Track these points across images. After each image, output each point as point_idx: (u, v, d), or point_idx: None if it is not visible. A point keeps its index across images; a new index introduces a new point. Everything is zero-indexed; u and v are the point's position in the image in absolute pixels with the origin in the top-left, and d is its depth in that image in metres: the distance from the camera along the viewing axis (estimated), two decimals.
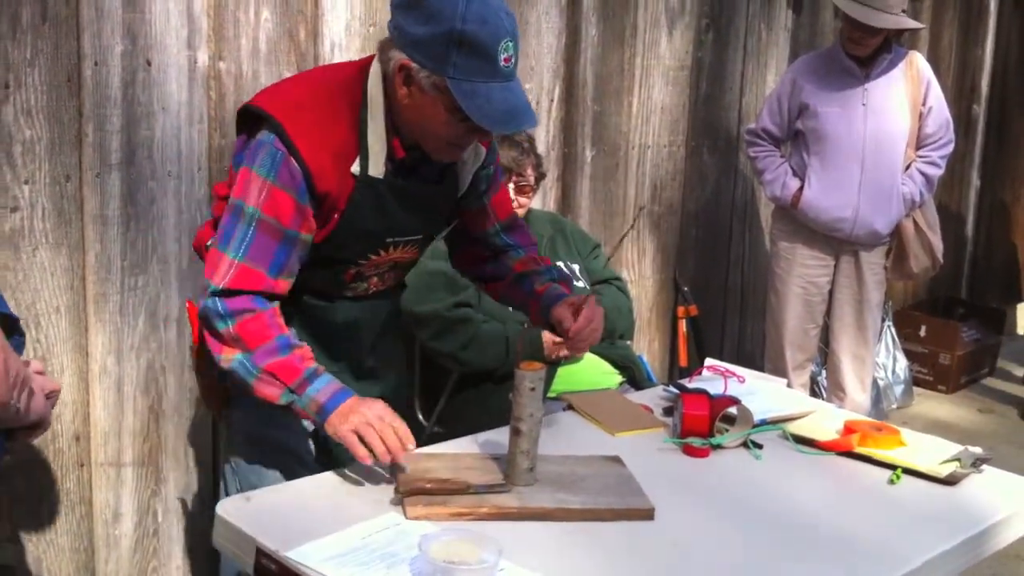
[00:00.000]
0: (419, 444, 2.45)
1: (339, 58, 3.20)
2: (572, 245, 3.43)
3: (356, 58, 2.68)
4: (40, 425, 1.87)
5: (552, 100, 3.95)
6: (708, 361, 2.87)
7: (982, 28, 6.34)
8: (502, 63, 2.01)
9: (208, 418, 3.13)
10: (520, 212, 3.20)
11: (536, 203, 3.67)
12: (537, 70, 3.86)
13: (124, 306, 2.91)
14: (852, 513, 2.10)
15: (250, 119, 2.18)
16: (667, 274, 4.61)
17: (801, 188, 4.14)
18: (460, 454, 2.19)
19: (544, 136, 3.92)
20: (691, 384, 2.65)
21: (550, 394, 3.02)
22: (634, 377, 3.33)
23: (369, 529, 1.85)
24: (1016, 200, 6.79)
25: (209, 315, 2.10)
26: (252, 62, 3.04)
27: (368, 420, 2.05)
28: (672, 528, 1.97)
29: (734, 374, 2.75)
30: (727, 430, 2.36)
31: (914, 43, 5.45)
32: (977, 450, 2.35)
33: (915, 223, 4.22)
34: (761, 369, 3.77)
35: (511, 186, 3.19)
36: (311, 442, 2.41)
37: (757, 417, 2.40)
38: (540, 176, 3.34)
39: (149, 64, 2.84)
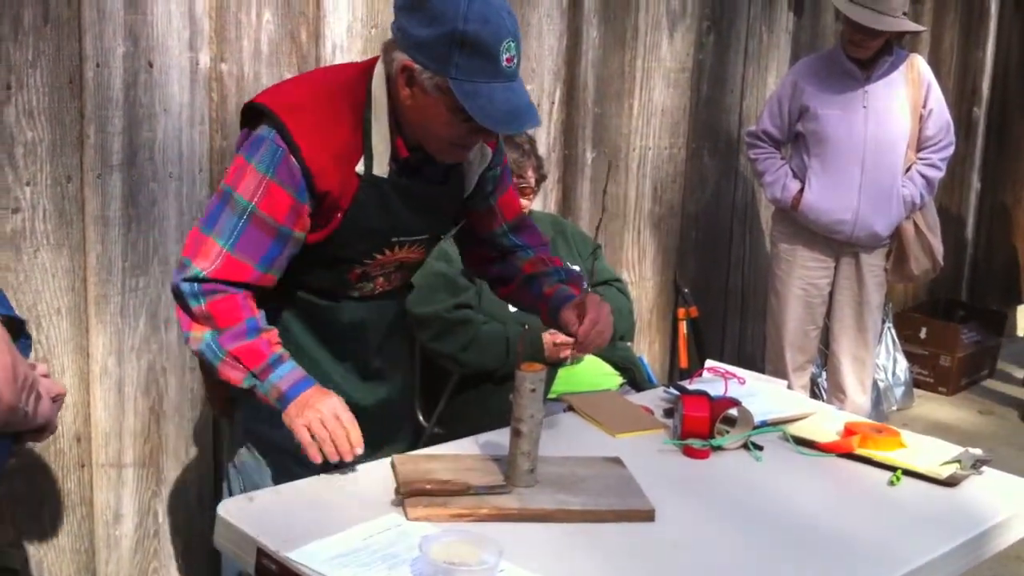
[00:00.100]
0: (420, 445, 2.45)
1: (341, 60, 3.20)
2: (573, 246, 3.43)
3: (358, 60, 2.68)
4: (46, 428, 1.86)
5: (553, 102, 3.96)
6: (708, 363, 2.87)
7: (983, 31, 6.34)
8: (504, 63, 2.02)
9: (209, 419, 3.13)
10: None
11: (537, 205, 3.68)
12: (538, 72, 3.87)
13: (125, 307, 2.91)
14: (852, 515, 2.10)
15: (253, 116, 2.18)
16: (667, 276, 4.61)
17: (801, 190, 4.14)
18: (461, 455, 2.19)
19: (545, 138, 3.93)
20: (691, 385, 2.65)
21: (550, 395, 3.02)
22: (634, 378, 3.33)
23: (370, 530, 1.85)
24: (1017, 202, 6.79)
25: (183, 293, 2.11)
26: (254, 64, 3.04)
27: (323, 417, 2.06)
28: (672, 529, 1.97)
29: (734, 375, 2.75)
30: (727, 431, 2.37)
31: (915, 46, 5.46)
32: (977, 452, 2.35)
33: (915, 225, 4.23)
34: (761, 371, 3.77)
35: None
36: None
37: (757, 419, 2.40)
38: (541, 178, 3.35)
39: (151, 66, 2.85)
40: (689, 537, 1.96)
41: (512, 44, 2.02)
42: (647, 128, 4.33)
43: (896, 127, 4.09)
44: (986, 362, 5.99)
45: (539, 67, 3.87)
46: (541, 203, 3.89)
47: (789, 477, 2.25)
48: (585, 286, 2.43)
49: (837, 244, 4.21)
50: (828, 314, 4.38)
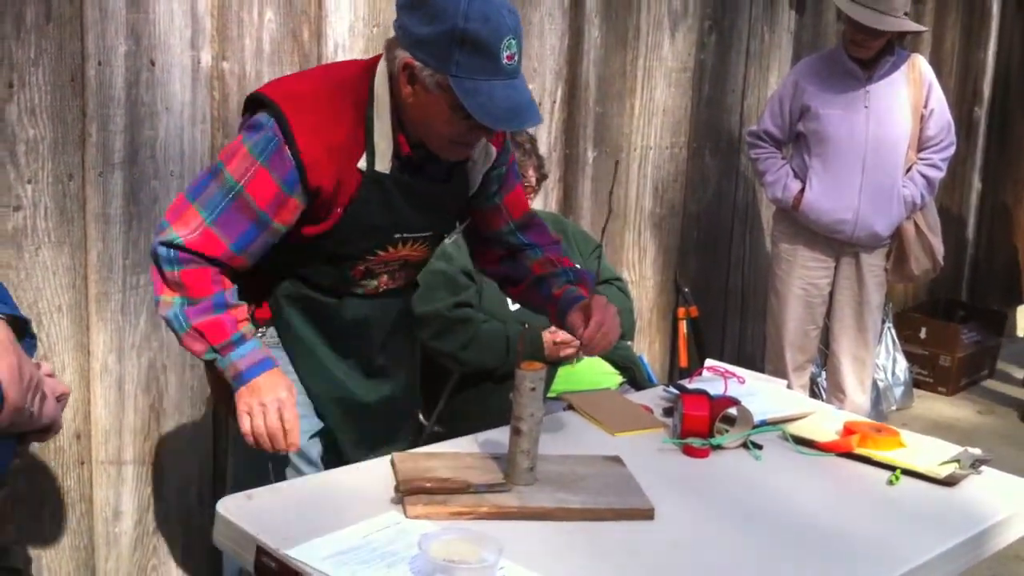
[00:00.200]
0: (420, 444, 2.46)
1: (342, 59, 3.20)
2: (574, 246, 3.43)
3: (359, 59, 2.68)
4: (51, 428, 1.85)
5: (554, 101, 3.96)
6: (708, 362, 2.87)
7: (984, 31, 6.34)
8: (505, 61, 2.02)
9: (209, 417, 3.14)
10: None
11: (538, 204, 3.68)
12: (540, 71, 3.87)
13: (126, 305, 2.92)
14: (851, 514, 2.10)
15: (255, 106, 2.19)
16: (668, 275, 4.61)
17: (802, 190, 4.14)
18: (460, 453, 2.20)
19: (546, 137, 3.93)
20: (691, 385, 2.65)
21: (550, 394, 3.02)
22: (634, 377, 3.33)
23: (369, 528, 1.86)
24: (1017, 203, 6.79)
25: (159, 257, 2.15)
26: (256, 62, 3.05)
27: (265, 411, 2.12)
28: (672, 528, 1.97)
29: (734, 375, 2.75)
30: (727, 431, 2.37)
31: (916, 46, 5.46)
32: (976, 451, 2.35)
33: (916, 225, 4.23)
34: (761, 370, 3.77)
35: None
36: (319, 440, 2.41)
37: (757, 418, 2.41)
38: (542, 177, 3.35)
39: (153, 64, 2.85)
40: (688, 536, 1.96)
41: (513, 42, 2.02)
42: (648, 128, 4.33)
43: (897, 127, 4.09)
44: (986, 362, 5.99)
45: (540, 66, 3.87)
46: (542, 202, 3.89)
47: (788, 476, 2.25)
48: (593, 287, 2.43)
49: (837, 244, 4.21)
50: (828, 314, 4.38)
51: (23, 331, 1.79)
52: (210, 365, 2.24)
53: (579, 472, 2.12)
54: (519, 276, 2.48)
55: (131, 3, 2.78)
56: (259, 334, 2.35)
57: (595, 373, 3.24)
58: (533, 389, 2.01)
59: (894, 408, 5.32)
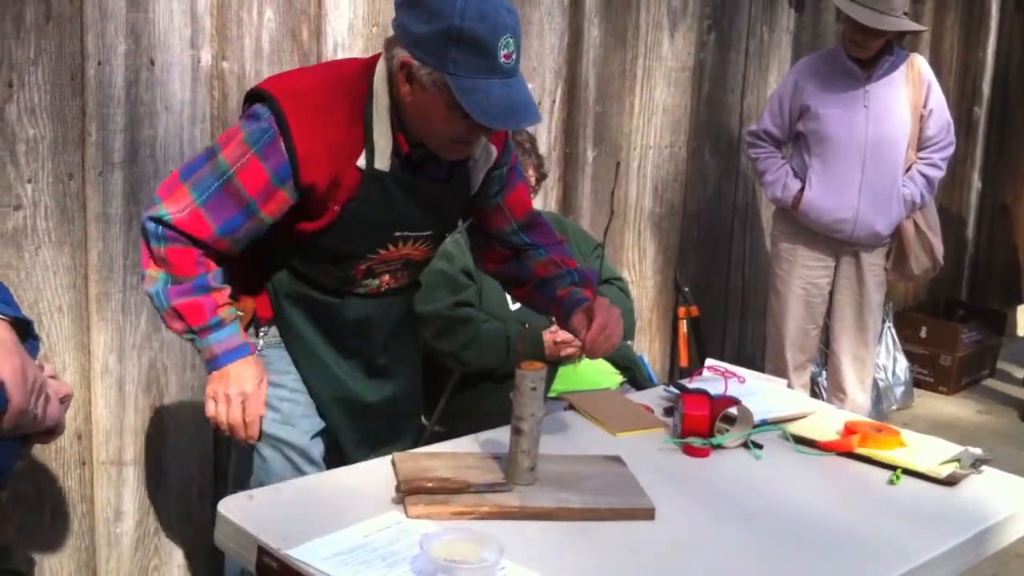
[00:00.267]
0: (420, 443, 2.46)
1: (342, 58, 3.20)
2: (574, 246, 3.43)
3: (360, 57, 2.69)
4: (55, 430, 1.85)
5: (554, 101, 3.96)
6: (708, 361, 2.87)
7: (984, 31, 6.34)
8: (502, 59, 2.02)
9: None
10: None
11: (537, 203, 3.67)
12: (539, 71, 3.87)
13: (126, 305, 2.92)
14: (852, 513, 2.10)
15: (255, 102, 2.20)
16: (668, 275, 4.61)
17: (802, 189, 4.14)
18: (461, 453, 2.20)
19: (546, 137, 3.93)
20: (692, 384, 2.65)
21: (551, 394, 3.02)
22: (635, 377, 3.33)
23: (370, 528, 1.86)
24: (1017, 202, 6.79)
25: (148, 232, 2.18)
26: (255, 62, 3.05)
27: (229, 400, 2.20)
28: (673, 528, 1.97)
29: (734, 374, 2.75)
30: (727, 430, 2.37)
31: (916, 45, 5.46)
32: (977, 451, 2.36)
33: (916, 224, 4.23)
34: (761, 370, 3.77)
35: None
36: (321, 440, 2.42)
37: (757, 417, 2.41)
38: (541, 177, 3.35)
39: (152, 63, 2.85)
40: (689, 535, 1.96)
41: (511, 40, 2.02)
42: (648, 127, 4.33)
43: (897, 127, 4.09)
44: (986, 361, 5.99)
45: (540, 66, 3.87)
46: (542, 202, 3.89)
47: (789, 476, 2.26)
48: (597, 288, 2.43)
49: (837, 243, 4.21)
50: (828, 313, 4.38)
51: (26, 333, 1.79)
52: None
53: (580, 472, 2.12)
54: (523, 277, 2.48)
55: (131, 2, 2.78)
56: (261, 332, 2.36)
57: (596, 373, 3.24)
58: (534, 389, 2.01)
59: (895, 408, 5.33)
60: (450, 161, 2.26)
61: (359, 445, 2.42)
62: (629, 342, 3.50)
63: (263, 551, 1.80)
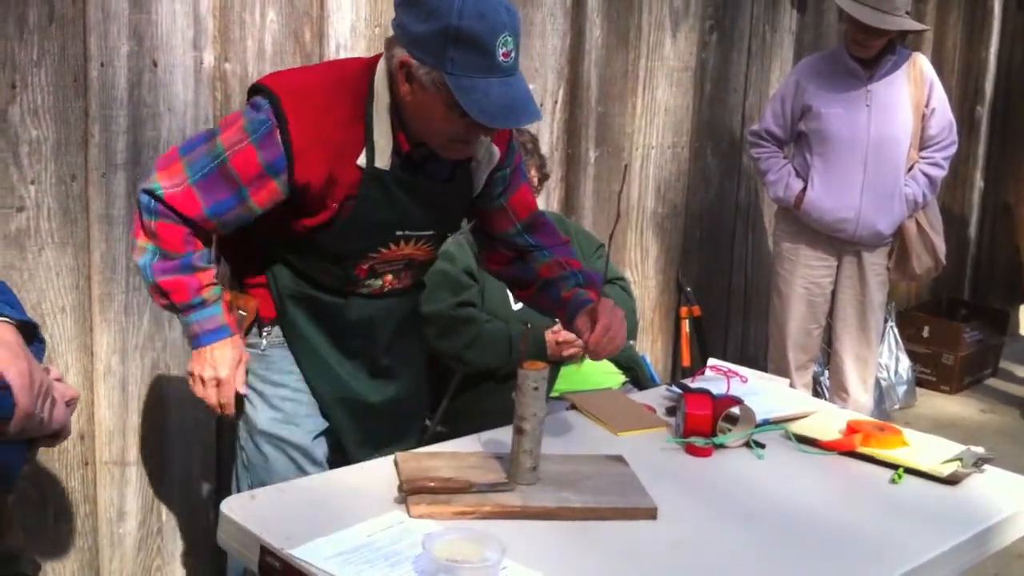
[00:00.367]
0: (423, 443, 2.46)
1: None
2: (576, 246, 3.43)
3: (363, 57, 2.69)
4: (60, 434, 1.85)
5: (556, 101, 3.96)
6: (711, 361, 2.87)
7: (986, 30, 6.33)
8: (500, 58, 2.01)
9: (212, 418, 3.14)
10: None
11: (540, 204, 3.67)
12: (541, 71, 3.87)
13: (129, 305, 2.92)
14: (854, 513, 2.10)
15: (257, 95, 2.21)
16: (670, 275, 4.61)
17: (804, 189, 4.14)
18: (463, 453, 2.20)
19: (548, 137, 3.93)
20: (694, 384, 2.65)
21: (553, 394, 3.02)
22: (637, 377, 3.34)
23: (373, 527, 1.86)
24: (1020, 201, 6.78)
25: (141, 204, 2.22)
26: (258, 63, 3.05)
27: (203, 378, 2.27)
28: (675, 527, 1.98)
29: (737, 374, 2.76)
30: (730, 430, 2.37)
31: (918, 45, 5.45)
32: (979, 450, 2.36)
33: (918, 224, 4.23)
34: (764, 370, 3.77)
35: None
36: (324, 440, 2.42)
37: (760, 417, 2.41)
38: (544, 177, 3.35)
39: (155, 65, 2.85)
40: (691, 535, 1.96)
41: (509, 39, 2.02)
42: (650, 127, 4.33)
43: (899, 126, 4.09)
44: (989, 361, 5.98)
45: (542, 66, 3.87)
46: (544, 202, 3.89)
47: (791, 475, 2.26)
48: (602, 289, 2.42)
49: (840, 243, 4.21)
50: (831, 313, 4.38)
51: (32, 335, 1.79)
52: None
53: (582, 471, 2.13)
54: (528, 279, 2.48)
55: (133, 4, 2.78)
56: (264, 332, 2.36)
57: (598, 373, 3.24)
58: (536, 389, 2.01)
59: (897, 407, 5.32)
60: (452, 161, 2.26)
61: (362, 445, 2.42)
62: (631, 342, 3.50)
63: (266, 551, 1.80)
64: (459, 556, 1.70)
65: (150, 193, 2.19)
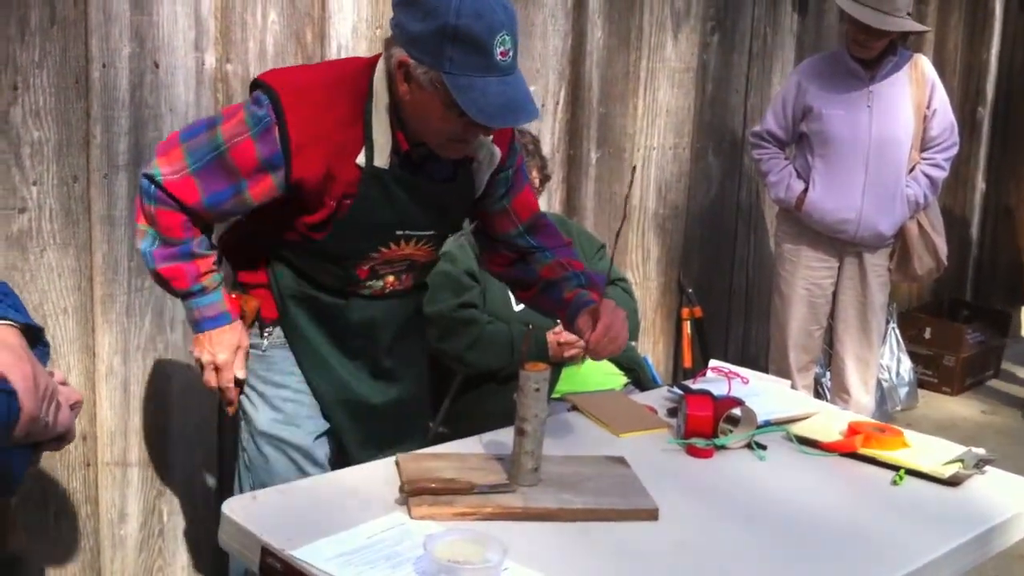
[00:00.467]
0: (424, 445, 2.46)
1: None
2: (578, 247, 3.43)
3: (363, 56, 2.69)
4: (65, 437, 1.85)
5: (557, 102, 3.96)
6: (712, 362, 2.87)
7: (988, 31, 6.33)
8: (498, 57, 2.01)
9: (214, 418, 3.14)
10: None
11: (541, 205, 3.67)
12: (543, 72, 3.87)
13: (131, 307, 2.92)
14: (855, 514, 2.10)
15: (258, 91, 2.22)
16: (672, 276, 4.61)
17: (805, 190, 4.14)
18: (465, 454, 2.20)
19: (549, 138, 3.93)
20: (695, 385, 2.65)
21: (554, 395, 3.02)
22: (638, 378, 3.34)
23: (374, 528, 1.86)
24: (1021, 203, 6.78)
25: (142, 190, 2.24)
26: (259, 64, 3.05)
27: (202, 363, 2.31)
28: (676, 528, 1.98)
29: (738, 375, 2.76)
30: (731, 431, 2.37)
31: (919, 46, 5.45)
32: (981, 451, 2.36)
33: (919, 225, 4.23)
34: (765, 371, 3.77)
35: None
36: (326, 441, 2.42)
37: (761, 418, 2.41)
38: (545, 178, 3.35)
39: (157, 66, 2.86)
40: (692, 536, 1.96)
41: (507, 38, 2.02)
42: (651, 128, 4.34)
43: (900, 127, 4.09)
44: (990, 362, 5.98)
45: (544, 67, 3.87)
46: (546, 203, 3.89)
47: (793, 477, 2.26)
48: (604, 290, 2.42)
49: (841, 244, 4.21)
50: (832, 314, 4.38)
51: (36, 339, 1.79)
52: None
53: (583, 473, 2.13)
54: (530, 280, 2.48)
55: (135, 5, 2.79)
56: (265, 333, 2.36)
57: (599, 374, 3.24)
58: (537, 390, 2.02)
59: (898, 408, 5.32)
60: (453, 161, 2.26)
61: (363, 446, 2.42)
62: (633, 343, 3.50)
63: (267, 552, 1.81)
64: (460, 557, 1.70)
65: (150, 178, 2.21)
